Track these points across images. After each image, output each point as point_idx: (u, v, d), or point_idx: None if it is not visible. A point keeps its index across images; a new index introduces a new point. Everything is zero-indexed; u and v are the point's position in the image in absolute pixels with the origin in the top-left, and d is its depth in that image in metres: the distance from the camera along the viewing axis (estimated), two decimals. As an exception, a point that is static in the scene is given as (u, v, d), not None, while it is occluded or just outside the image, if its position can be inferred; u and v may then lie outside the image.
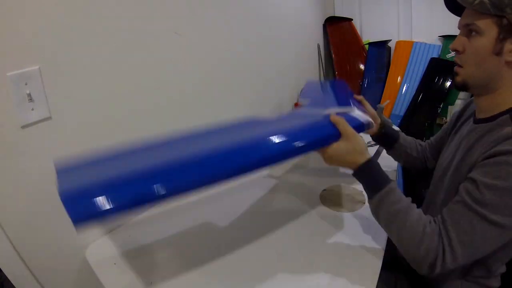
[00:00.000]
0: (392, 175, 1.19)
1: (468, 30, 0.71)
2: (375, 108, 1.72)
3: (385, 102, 1.82)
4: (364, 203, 1.01)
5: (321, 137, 0.73)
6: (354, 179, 1.18)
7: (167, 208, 1.08)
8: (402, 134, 1.12)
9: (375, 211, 0.73)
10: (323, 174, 1.26)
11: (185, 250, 0.85)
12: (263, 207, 1.03)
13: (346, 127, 0.75)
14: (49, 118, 0.78)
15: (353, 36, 2.62)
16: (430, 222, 0.66)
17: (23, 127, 0.73)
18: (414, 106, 2.29)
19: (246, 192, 1.11)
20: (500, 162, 0.61)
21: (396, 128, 1.71)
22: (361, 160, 0.74)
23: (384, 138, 1.09)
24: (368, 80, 2.56)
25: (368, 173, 0.75)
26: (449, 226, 0.63)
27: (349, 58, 2.63)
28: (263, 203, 1.06)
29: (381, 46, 2.55)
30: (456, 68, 0.76)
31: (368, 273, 0.73)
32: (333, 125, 0.75)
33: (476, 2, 0.67)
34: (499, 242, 0.63)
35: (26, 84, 0.72)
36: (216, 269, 0.78)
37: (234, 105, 1.49)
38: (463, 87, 0.75)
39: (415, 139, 1.12)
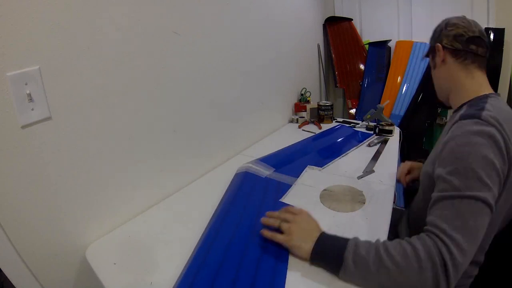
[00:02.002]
0: (393, 177, 1.19)
1: None
2: (375, 108, 1.74)
3: (385, 102, 1.82)
4: (364, 203, 1.01)
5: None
6: (354, 179, 1.19)
7: (167, 208, 1.09)
8: None
9: (360, 277, 0.65)
10: (323, 174, 1.26)
11: (185, 250, 0.85)
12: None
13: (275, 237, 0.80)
14: (49, 118, 0.78)
15: (353, 36, 2.62)
16: (411, 238, 0.65)
17: (23, 127, 0.73)
18: (414, 106, 2.29)
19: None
20: (452, 148, 0.69)
21: (396, 127, 1.72)
22: (309, 246, 0.74)
23: None
24: (368, 80, 2.56)
25: (324, 252, 0.72)
26: (437, 221, 0.64)
27: (349, 58, 2.63)
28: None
29: (381, 46, 2.54)
30: None
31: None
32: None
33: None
34: (487, 219, 0.63)
35: (26, 84, 0.72)
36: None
37: (233, 105, 1.49)
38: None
39: None
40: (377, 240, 0.69)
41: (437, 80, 0.96)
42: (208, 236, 0.88)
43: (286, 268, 0.75)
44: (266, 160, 1.36)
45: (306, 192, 1.11)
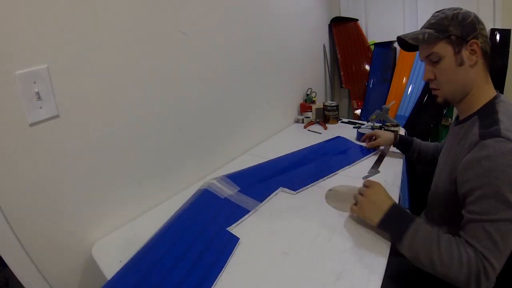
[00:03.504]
0: (397, 177, 1.18)
1: (429, 60, 0.86)
2: (381, 109, 1.73)
3: (390, 103, 1.81)
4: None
5: None
6: (360, 180, 1.19)
7: (173, 207, 1.09)
8: (424, 142, 1.31)
9: (411, 251, 0.74)
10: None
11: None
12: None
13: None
14: (57, 116, 0.78)
15: (359, 36, 2.61)
16: (459, 241, 0.71)
17: (32, 125, 0.74)
18: (419, 107, 2.27)
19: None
20: (478, 172, 0.69)
21: (403, 131, 1.71)
22: (377, 219, 0.83)
23: (401, 144, 1.35)
24: (373, 81, 2.55)
25: (390, 222, 0.81)
26: (471, 242, 0.68)
27: (355, 59, 2.62)
28: (270, 202, 1.06)
29: (387, 46, 2.53)
30: (434, 92, 0.90)
31: (373, 272, 0.73)
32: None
33: (426, 37, 0.84)
34: None
35: (34, 82, 0.72)
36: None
37: (239, 105, 1.50)
38: (446, 104, 0.90)
39: (437, 143, 1.26)
40: (434, 229, 0.75)
41: (458, 81, 0.83)
42: (145, 247, 0.86)
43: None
44: (235, 177, 1.21)
45: (311, 192, 1.11)
